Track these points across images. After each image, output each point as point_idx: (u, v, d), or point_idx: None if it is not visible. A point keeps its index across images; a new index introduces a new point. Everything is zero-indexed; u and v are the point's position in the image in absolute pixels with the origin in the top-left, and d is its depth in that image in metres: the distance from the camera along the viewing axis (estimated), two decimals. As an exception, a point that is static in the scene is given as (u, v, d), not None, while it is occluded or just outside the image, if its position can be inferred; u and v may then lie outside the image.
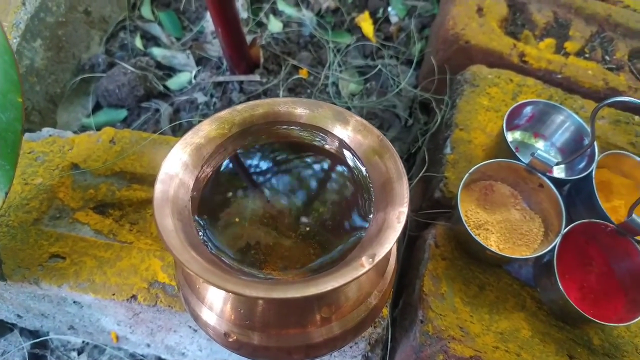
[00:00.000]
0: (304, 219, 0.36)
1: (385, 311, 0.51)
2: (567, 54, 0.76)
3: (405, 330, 0.57)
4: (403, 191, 0.36)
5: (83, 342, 0.66)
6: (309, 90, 0.83)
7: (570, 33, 0.79)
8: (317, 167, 0.39)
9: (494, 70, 0.69)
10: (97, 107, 0.84)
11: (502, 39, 0.73)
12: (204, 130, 0.39)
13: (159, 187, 0.35)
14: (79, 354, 0.65)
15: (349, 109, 0.81)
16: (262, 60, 0.84)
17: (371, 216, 0.37)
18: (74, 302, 0.54)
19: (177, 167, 0.37)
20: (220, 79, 0.83)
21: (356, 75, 0.87)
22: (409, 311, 0.58)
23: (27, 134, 0.62)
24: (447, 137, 0.65)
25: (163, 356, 0.64)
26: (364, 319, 0.40)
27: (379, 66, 0.85)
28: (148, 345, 0.61)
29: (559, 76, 0.72)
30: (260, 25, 0.92)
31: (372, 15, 0.94)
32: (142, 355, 0.65)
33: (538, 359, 0.50)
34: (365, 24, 0.91)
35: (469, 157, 0.62)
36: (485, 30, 0.74)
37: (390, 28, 0.91)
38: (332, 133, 0.40)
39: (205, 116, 0.81)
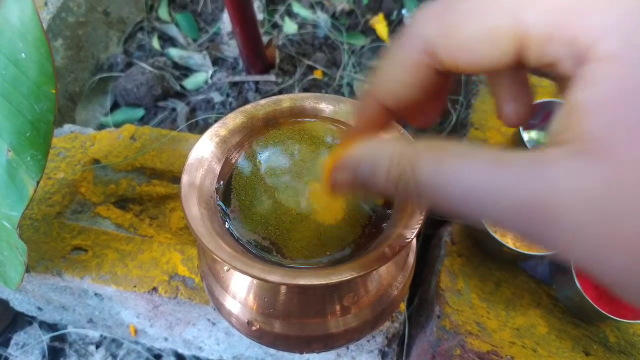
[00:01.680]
0: (327, 209, 0.37)
1: (403, 306, 0.52)
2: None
3: (422, 327, 0.57)
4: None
5: (101, 335, 0.66)
6: (323, 91, 0.84)
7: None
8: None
9: (509, 70, 0.70)
10: (114, 106, 0.85)
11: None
12: (230, 123, 0.40)
13: (185, 176, 0.36)
14: (96, 347, 0.66)
15: (363, 109, 0.82)
16: (277, 60, 0.85)
17: (393, 207, 0.37)
18: (95, 294, 0.54)
19: (204, 157, 0.37)
20: (237, 78, 0.84)
21: (371, 76, 0.87)
22: (425, 307, 0.58)
23: (49, 130, 0.63)
24: (462, 137, 0.65)
25: (180, 350, 0.64)
26: (383, 311, 0.40)
27: (394, 67, 0.85)
28: (166, 339, 0.62)
29: (574, 77, 0.72)
30: (276, 26, 0.93)
31: (387, 17, 0.94)
32: (159, 349, 0.65)
33: (554, 355, 0.51)
34: (380, 25, 0.92)
35: (484, 156, 0.63)
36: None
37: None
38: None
39: (221, 115, 0.82)
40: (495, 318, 0.53)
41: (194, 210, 0.34)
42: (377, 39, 0.92)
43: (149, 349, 0.66)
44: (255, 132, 0.41)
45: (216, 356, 0.64)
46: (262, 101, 0.42)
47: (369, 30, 0.93)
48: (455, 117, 0.71)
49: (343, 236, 0.36)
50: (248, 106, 0.41)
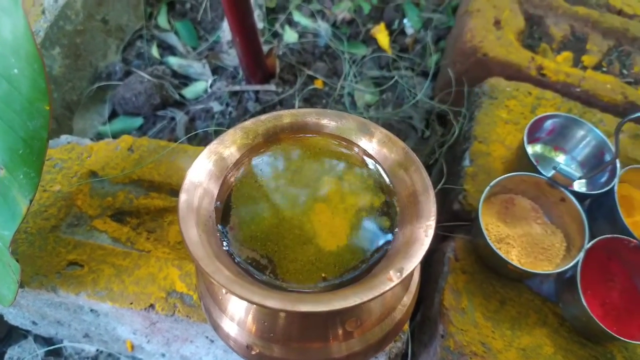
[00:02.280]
0: (329, 231, 0.36)
1: (406, 325, 0.50)
2: (584, 68, 0.76)
3: (425, 345, 0.56)
4: (430, 204, 0.36)
5: (97, 350, 0.65)
6: (324, 101, 0.83)
7: (588, 47, 0.79)
8: (342, 178, 0.39)
9: (513, 82, 0.69)
10: (113, 115, 0.84)
11: (520, 52, 0.73)
12: (228, 140, 0.39)
13: (183, 197, 0.35)
14: (92, 362, 0.65)
15: (364, 119, 0.81)
16: (277, 70, 0.84)
17: (397, 229, 0.36)
18: (91, 310, 0.53)
19: (201, 177, 0.36)
20: (236, 88, 0.83)
21: (372, 86, 0.87)
22: (428, 325, 0.57)
23: (45, 141, 0.62)
24: (465, 150, 0.64)
25: (177, 366, 0.63)
26: (387, 334, 0.39)
27: (395, 77, 0.85)
28: (163, 355, 0.61)
29: (578, 89, 0.71)
30: (276, 35, 0.92)
31: (388, 26, 0.94)
32: (155, 365, 0.64)
33: (560, 376, 0.50)
34: (381, 35, 0.91)
35: (487, 170, 0.62)
36: (503, 42, 0.73)
37: (405, 40, 0.92)
38: (357, 144, 0.40)
39: (220, 125, 0.81)
40: (501, 338, 0.51)
41: (192, 232, 0.33)
42: (378, 48, 0.91)
43: (146, 365, 0.64)
44: (256, 148, 0.40)
45: (214, 372, 0.62)
46: (263, 117, 0.41)
47: (370, 40, 0.92)
48: (458, 129, 0.70)
49: (345, 258, 0.35)
50: (248, 122, 0.40)
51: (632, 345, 0.52)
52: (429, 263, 0.64)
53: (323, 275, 0.35)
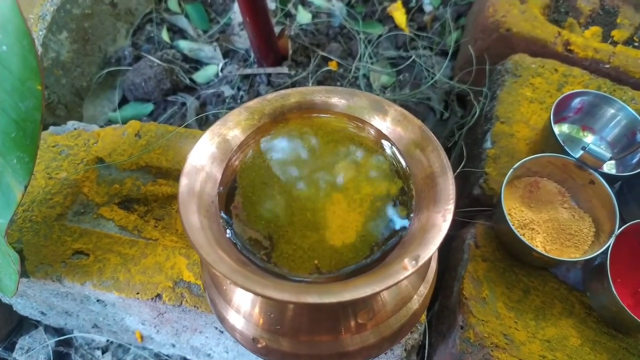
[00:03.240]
0: (340, 216, 0.33)
1: (423, 316, 0.48)
2: (614, 43, 0.72)
3: (443, 336, 0.54)
4: (448, 186, 0.33)
5: (107, 340, 0.64)
6: (338, 83, 0.80)
7: (618, 20, 0.74)
8: (354, 159, 0.36)
9: (538, 59, 0.65)
10: (123, 101, 0.83)
11: (546, 27, 0.69)
12: (233, 121, 0.36)
13: (184, 182, 0.32)
14: (103, 352, 0.64)
15: (380, 102, 0.77)
16: (290, 52, 0.81)
17: (412, 214, 0.34)
18: (98, 300, 0.52)
19: (203, 160, 0.34)
20: (248, 71, 0.81)
21: (388, 66, 0.83)
22: (446, 315, 0.54)
23: (51, 128, 0.61)
24: (487, 131, 0.61)
25: (188, 357, 0.62)
26: (403, 326, 0.37)
27: (413, 57, 0.81)
28: (173, 346, 0.59)
29: (607, 66, 0.67)
30: (288, 16, 0.89)
31: (405, 4, 0.90)
32: (167, 356, 0.63)
33: (589, 370, 0.47)
34: (398, 13, 0.87)
35: (511, 152, 0.58)
36: (528, 17, 0.69)
37: (424, 17, 0.88)
38: (369, 123, 0.37)
39: (232, 110, 0.78)
40: (524, 329, 0.49)
41: (193, 218, 0.31)
42: (395, 27, 0.87)
43: (157, 355, 0.63)
44: (262, 130, 0.37)
45: (226, 363, 0.61)
46: (269, 96, 0.38)
47: (387, 19, 0.89)
48: (479, 110, 0.66)
49: (358, 245, 0.33)
50: (252, 102, 0.38)
51: (667, 337, 0.49)
52: (447, 250, 0.61)
53: (335, 264, 0.32)
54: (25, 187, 0.36)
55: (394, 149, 0.36)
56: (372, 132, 0.37)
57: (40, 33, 0.70)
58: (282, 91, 0.38)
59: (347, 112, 0.38)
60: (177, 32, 0.90)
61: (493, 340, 0.47)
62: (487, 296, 0.50)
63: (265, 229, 0.33)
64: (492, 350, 0.46)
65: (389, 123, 0.37)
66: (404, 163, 0.36)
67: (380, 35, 0.86)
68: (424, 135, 0.35)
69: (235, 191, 0.35)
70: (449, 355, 0.50)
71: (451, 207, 0.32)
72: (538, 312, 0.50)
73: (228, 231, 0.33)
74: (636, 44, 0.72)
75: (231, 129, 0.36)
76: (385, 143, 0.37)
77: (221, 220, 0.33)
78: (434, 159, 0.34)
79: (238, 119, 0.37)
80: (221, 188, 0.35)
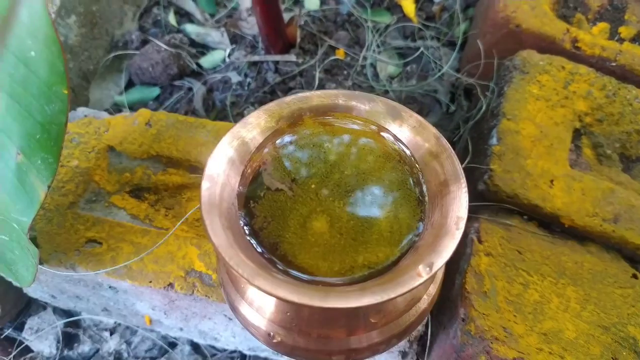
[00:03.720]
0: (356, 220, 0.35)
1: (428, 310, 0.50)
2: (621, 40, 0.72)
3: (444, 327, 0.55)
4: (461, 194, 0.34)
5: (115, 322, 0.66)
6: (345, 72, 0.81)
7: (626, 17, 0.74)
8: (370, 164, 0.37)
9: (546, 56, 0.66)
10: (129, 85, 0.83)
11: (555, 23, 0.69)
12: (252, 124, 0.37)
13: (205, 187, 0.33)
14: (111, 334, 0.66)
15: (387, 92, 0.78)
16: (298, 39, 0.81)
17: (426, 220, 0.35)
18: (110, 287, 0.53)
19: (223, 164, 0.35)
20: (256, 58, 0.81)
21: (395, 57, 0.83)
22: (447, 307, 0.56)
23: (62, 114, 0.61)
24: (493, 127, 0.62)
25: (195, 340, 0.63)
26: (411, 324, 0.38)
27: (421, 48, 0.81)
28: (181, 329, 0.61)
29: (613, 64, 0.68)
30: (297, 2, 0.89)
31: (413, -7, 0.90)
32: (174, 338, 0.65)
33: (583, 363, 0.49)
34: (407, 2, 0.87)
35: (516, 149, 0.59)
36: (537, 13, 0.70)
37: (432, 7, 0.88)
38: (386, 129, 0.38)
39: (239, 96, 0.79)
40: (522, 322, 0.50)
41: (215, 223, 0.32)
42: (404, 17, 0.87)
43: (164, 337, 0.65)
44: (279, 132, 0.38)
45: (232, 347, 0.63)
46: (287, 98, 0.39)
47: (395, 7, 0.89)
48: (485, 105, 0.67)
49: (372, 250, 0.34)
50: (271, 104, 0.38)
51: (660, 334, 0.51)
52: (451, 243, 0.62)
53: (350, 266, 0.34)
54: (49, 187, 0.37)
55: (410, 155, 0.37)
56: (389, 137, 0.38)
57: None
58: (301, 94, 0.39)
59: (365, 116, 0.39)
60: (184, 16, 0.89)
61: (493, 333, 0.49)
62: (489, 290, 0.52)
63: (284, 234, 0.34)
64: (491, 343, 0.48)
65: (405, 129, 0.38)
66: (418, 169, 0.37)
67: (388, 25, 0.86)
68: (439, 142, 0.36)
69: (254, 193, 0.36)
70: (450, 346, 0.51)
71: (464, 215, 0.33)
72: (536, 306, 0.52)
73: (247, 230, 0.34)
74: (643, 41, 0.73)
75: (250, 131, 0.37)
76: (402, 148, 0.38)
77: (241, 222, 0.34)
78: (448, 167, 0.35)
79: (257, 121, 0.37)
80: (240, 188, 0.36)
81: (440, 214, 0.34)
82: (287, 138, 0.38)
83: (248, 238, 0.34)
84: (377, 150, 0.38)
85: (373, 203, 0.36)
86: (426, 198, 0.36)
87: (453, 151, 0.36)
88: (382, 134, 0.38)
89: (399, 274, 0.31)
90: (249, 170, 0.36)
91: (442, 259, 0.31)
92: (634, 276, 0.56)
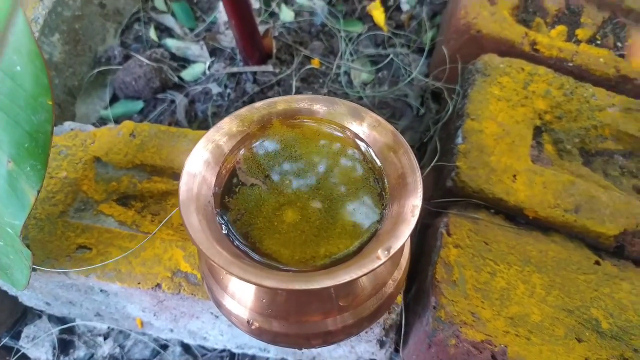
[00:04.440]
0: (322, 211, 0.38)
1: (400, 298, 0.53)
2: (578, 42, 0.77)
3: (419, 316, 0.59)
4: (417, 185, 0.37)
5: (108, 327, 0.68)
6: (321, 80, 0.84)
7: (582, 20, 0.79)
8: (334, 161, 0.41)
9: (505, 59, 0.70)
10: (114, 99, 0.86)
11: (514, 28, 0.74)
12: (225, 128, 0.41)
13: (183, 185, 0.37)
14: (104, 339, 0.68)
15: (361, 98, 0.82)
16: (274, 50, 0.85)
17: (386, 210, 0.38)
18: (101, 290, 0.56)
19: (199, 165, 0.38)
20: (234, 69, 0.84)
21: (368, 64, 0.88)
22: (421, 297, 0.60)
23: (50, 129, 0.64)
24: (458, 127, 0.66)
25: (186, 340, 0.66)
26: (379, 307, 0.42)
27: (391, 55, 0.86)
28: (171, 331, 0.64)
29: (570, 64, 0.72)
30: (273, 15, 0.93)
31: (383, 3, 0.94)
32: (165, 340, 0.67)
33: (547, 342, 0.52)
34: (377, 12, 0.91)
35: (480, 147, 0.63)
36: (497, 18, 0.74)
37: (401, 16, 0.92)
38: (348, 128, 0.41)
39: (219, 107, 0.82)
40: (490, 308, 0.54)
41: (192, 218, 0.35)
42: (374, 26, 0.91)
43: (156, 340, 0.68)
44: (251, 136, 0.42)
45: (221, 346, 0.66)
46: (257, 104, 0.42)
47: (366, 17, 0.93)
48: (451, 107, 0.71)
49: (338, 238, 0.37)
50: (243, 110, 0.42)
51: (617, 312, 0.55)
52: (423, 238, 0.66)
53: (318, 255, 0.37)
54: (38, 192, 0.40)
55: (370, 151, 0.41)
56: (351, 135, 0.42)
57: (34, 36, 0.73)
58: (269, 100, 0.42)
59: (328, 117, 0.42)
60: (165, 31, 0.93)
61: (462, 318, 0.52)
62: (457, 279, 0.55)
63: (255, 226, 0.37)
64: (460, 327, 0.52)
65: (365, 127, 0.41)
66: (379, 164, 0.41)
67: (360, 34, 0.90)
68: (396, 139, 0.40)
69: (229, 190, 0.39)
70: (423, 333, 0.55)
71: (418, 203, 0.36)
72: (503, 292, 0.55)
73: (223, 228, 0.38)
74: (598, 42, 0.77)
75: (223, 135, 0.40)
76: (362, 145, 0.41)
77: (217, 219, 0.38)
78: (405, 161, 0.39)
79: (230, 126, 0.41)
80: (216, 188, 0.39)
81: (399, 203, 0.38)
82: (258, 140, 0.41)
83: (224, 232, 0.37)
84: (342, 149, 0.42)
85: (338, 198, 0.39)
86: (387, 191, 0.39)
87: (409, 146, 0.39)
88: (345, 133, 0.42)
89: (361, 258, 0.35)
90: (224, 171, 0.40)
91: (399, 243, 0.34)
92: (597, 263, 0.60)
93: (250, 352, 0.65)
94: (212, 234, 0.35)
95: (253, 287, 0.39)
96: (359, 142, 0.42)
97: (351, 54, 0.87)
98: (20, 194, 0.40)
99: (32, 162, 0.39)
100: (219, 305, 0.42)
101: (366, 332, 0.53)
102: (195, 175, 0.38)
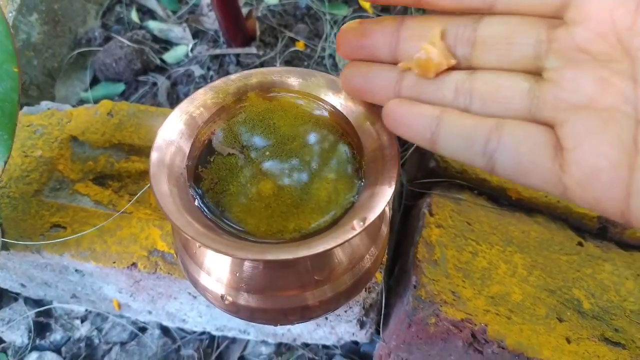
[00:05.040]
0: (297, 184, 0.37)
1: (380, 276, 0.52)
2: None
3: (399, 296, 0.58)
4: (394, 157, 0.37)
5: (86, 310, 0.67)
6: (306, 63, 0.83)
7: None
8: (310, 132, 0.40)
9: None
10: (94, 81, 0.84)
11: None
12: (199, 100, 0.40)
13: (155, 155, 0.36)
14: (82, 321, 0.67)
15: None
16: (258, 32, 0.84)
17: (363, 182, 0.38)
18: (76, 270, 0.55)
19: (173, 135, 0.37)
20: (217, 52, 0.83)
21: (353, 47, 0.87)
22: (403, 277, 0.59)
23: (25, 108, 0.63)
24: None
25: (164, 323, 0.65)
26: (356, 282, 0.41)
27: (376, 38, 0.85)
28: (150, 312, 0.63)
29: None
30: (257, -3, 0.92)
31: (369, -14, 0.93)
32: (144, 322, 0.66)
33: (528, 322, 0.52)
34: (362, -5, 0.90)
35: (463, 127, 0.63)
36: None
37: (387, -1, 0.91)
38: (324, 100, 0.41)
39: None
40: (471, 287, 0.54)
41: (163, 187, 0.34)
42: (360, 8, 0.90)
43: (134, 322, 0.67)
44: (226, 108, 0.41)
45: (200, 328, 0.65)
46: (233, 76, 0.41)
47: (352, 0, 0.92)
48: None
49: (313, 211, 0.37)
50: (217, 82, 0.41)
51: (598, 292, 0.55)
52: (406, 219, 0.66)
53: (293, 228, 0.36)
54: (5, 163, 0.39)
55: (347, 122, 0.40)
56: (327, 107, 0.41)
57: (10, 15, 0.71)
58: (245, 72, 0.41)
59: (305, 90, 0.41)
60: (147, 13, 0.91)
61: (442, 297, 0.52)
62: (439, 258, 0.55)
63: (226, 192, 0.37)
64: (441, 306, 0.51)
65: (342, 99, 0.40)
66: (356, 136, 0.40)
67: (345, 16, 0.89)
68: (374, 110, 0.39)
69: (202, 163, 0.38)
70: (403, 312, 0.54)
71: (395, 174, 0.36)
72: (484, 272, 0.55)
73: (196, 200, 0.37)
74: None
75: (198, 107, 0.39)
76: (339, 116, 0.41)
77: (190, 190, 0.37)
78: (382, 132, 0.38)
79: (204, 97, 0.40)
80: (190, 162, 0.38)
81: (376, 176, 0.37)
82: (233, 112, 0.40)
83: (196, 204, 0.36)
84: (319, 122, 0.41)
85: (313, 172, 0.38)
86: (364, 163, 0.39)
87: (386, 118, 0.38)
88: (323, 105, 0.41)
89: (336, 229, 0.34)
90: (198, 143, 0.39)
91: (375, 213, 0.33)
92: (580, 244, 0.60)
93: (230, 334, 0.64)
94: (183, 205, 0.34)
95: (227, 261, 0.38)
96: (334, 112, 0.41)
97: (336, 37, 0.86)
98: (-15, 165, 0.38)
99: (-1, 132, 0.38)
100: (194, 282, 0.42)
101: (345, 312, 0.53)
102: (167, 145, 0.37)
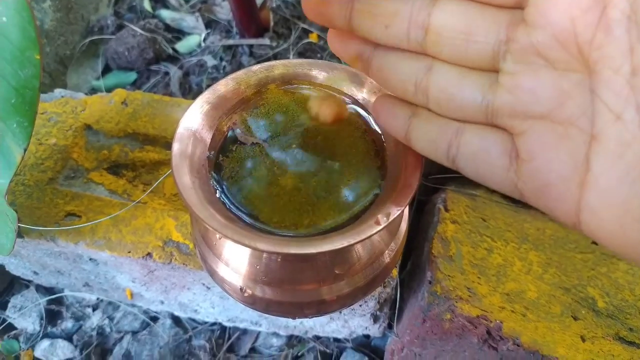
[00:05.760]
0: (320, 177, 0.37)
1: (395, 271, 0.52)
2: None
3: (414, 291, 0.58)
4: (417, 152, 0.36)
5: (97, 298, 0.67)
6: (319, 55, 0.83)
7: None
8: (336, 130, 0.39)
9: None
10: (106, 70, 0.84)
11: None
12: (221, 90, 0.39)
13: (176, 146, 0.35)
14: (93, 310, 0.67)
15: (359, 73, 0.80)
16: (272, 23, 0.83)
17: (386, 177, 0.37)
18: (90, 259, 0.55)
19: (194, 126, 0.37)
20: (230, 42, 0.83)
21: (367, 39, 0.86)
22: (417, 273, 0.59)
23: (39, 95, 0.62)
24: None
25: (176, 313, 0.65)
26: (375, 278, 0.41)
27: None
28: (162, 302, 0.63)
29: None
30: (270, -13, 0.91)
31: (384, -22, 0.92)
32: (155, 312, 0.66)
33: (543, 319, 0.52)
34: (377, -13, 0.89)
35: (479, 123, 0.62)
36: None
37: (402, -9, 0.90)
38: (347, 94, 0.40)
39: (214, 80, 0.81)
40: (486, 283, 0.53)
41: (185, 179, 0.34)
42: (374, 1, 0.90)
43: (146, 312, 0.67)
44: (248, 99, 0.40)
45: (212, 319, 0.65)
46: (255, 67, 0.41)
47: (366, -8, 0.91)
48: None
49: (336, 204, 0.36)
50: (240, 72, 0.40)
51: (612, 290, 0.55)
52: (420, 214, 0.65)
53: (316, 221, 0.36)
54: (25, 150, 0.38)
55: (370, 117, 0.40)
56: (350, 101, 0.41)
57: (24, 1, 0.70)
58: (267, 63, 0.41)
59: (327, 83, 0.41)
60: (159, 2, 0.90)
61: (457, 293, 0.52)
62: (454, 254, 0.55)
63: (247, 185, 0.36)
64: (456, 302, 0.51)
65: (364, 94, 0.40)
66: (378, 130, 0.39)
67: (359, 8, 0.88)
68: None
69: (223, 153, 0.38)
70: (418, 307, 0.54)
71: (419, 170, 0.35)
72: (499, 269, 0.55)
73: (217, 192, 0.37)
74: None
75: (219, 97, 0.39)
76: (362, 111, 0.40)
77: (211, 182, 0.37)
78: (405, 127, 0.38)
79: (226, 88, 0.39)
80: (212, 152, 0.38)
81: (399, 169, 0.37)
82: (256, 103, 0.40)
83: (218, 196, 0.36)
84: (343, 117, 0.40)
85: (335, 167, 0.38)
86: (386, 158, 0.38)
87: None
88: (345, 99, 0.41)
89: (359, 224, 0.34)
90: (219, 134, 0.39)
91: (398, 209, 0.33)
92: (594, 242, 0.60)
93: (241, 325, 0.64)
94: (205, 196, 0.34)
95: (247, 253, 0.38)
96: (358, 107, 0.40)
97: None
98: (6, 152, 0.38)
99: (19, 118, 0.37)
100: (212, 273, 0.41)
101: (360, 306, 0.53)
102: (189, 135, 0.36)
